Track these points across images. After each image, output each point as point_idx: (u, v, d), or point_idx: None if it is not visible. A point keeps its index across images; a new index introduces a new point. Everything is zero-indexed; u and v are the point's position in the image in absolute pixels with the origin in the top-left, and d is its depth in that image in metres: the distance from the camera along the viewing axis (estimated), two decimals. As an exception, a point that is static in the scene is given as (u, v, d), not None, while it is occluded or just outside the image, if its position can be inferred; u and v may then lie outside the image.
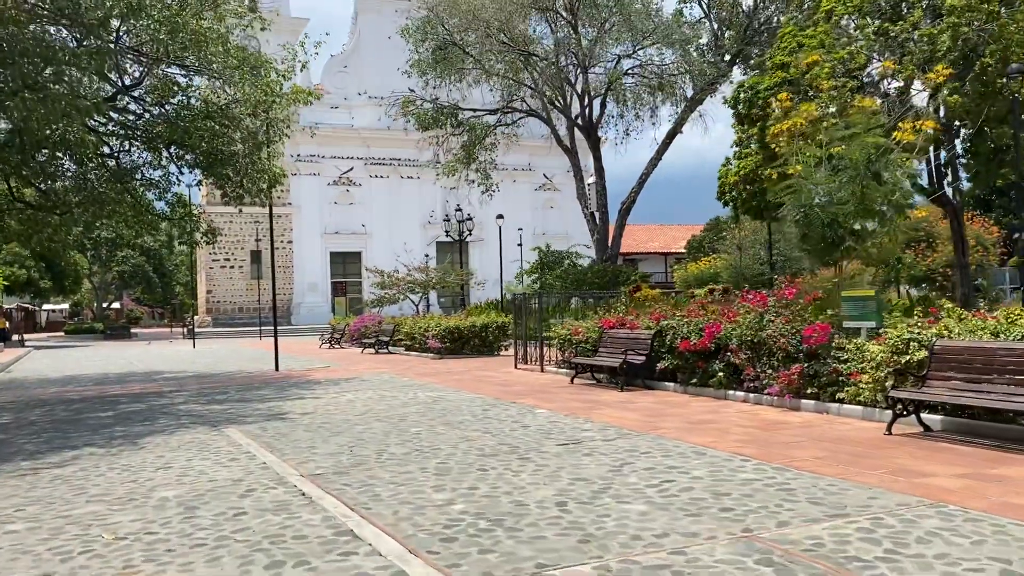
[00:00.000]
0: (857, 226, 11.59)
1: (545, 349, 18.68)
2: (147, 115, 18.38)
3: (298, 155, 63.81)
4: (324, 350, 32.42)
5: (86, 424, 12.49)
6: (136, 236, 26.45)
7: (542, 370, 18.32)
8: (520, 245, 60.59)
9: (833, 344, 10.99)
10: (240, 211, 24.80)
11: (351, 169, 66.21)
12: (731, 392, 12.51)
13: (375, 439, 9.91)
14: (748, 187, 21.43)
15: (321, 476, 7.89)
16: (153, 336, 62.37)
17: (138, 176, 20.38)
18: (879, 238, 11.53)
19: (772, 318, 12.04)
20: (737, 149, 22.63)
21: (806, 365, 11.24)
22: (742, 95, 18.91)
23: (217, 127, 17.08)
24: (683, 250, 77.33)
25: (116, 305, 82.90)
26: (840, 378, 10.80)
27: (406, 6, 38.15)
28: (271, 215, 21.06)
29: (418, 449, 9.09)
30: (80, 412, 14.13)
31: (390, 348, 28.85)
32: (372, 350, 29.38)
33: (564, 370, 17.45)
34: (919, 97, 19.03)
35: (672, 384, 13.85)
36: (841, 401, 10.66)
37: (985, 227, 48.11)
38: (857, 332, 11.30)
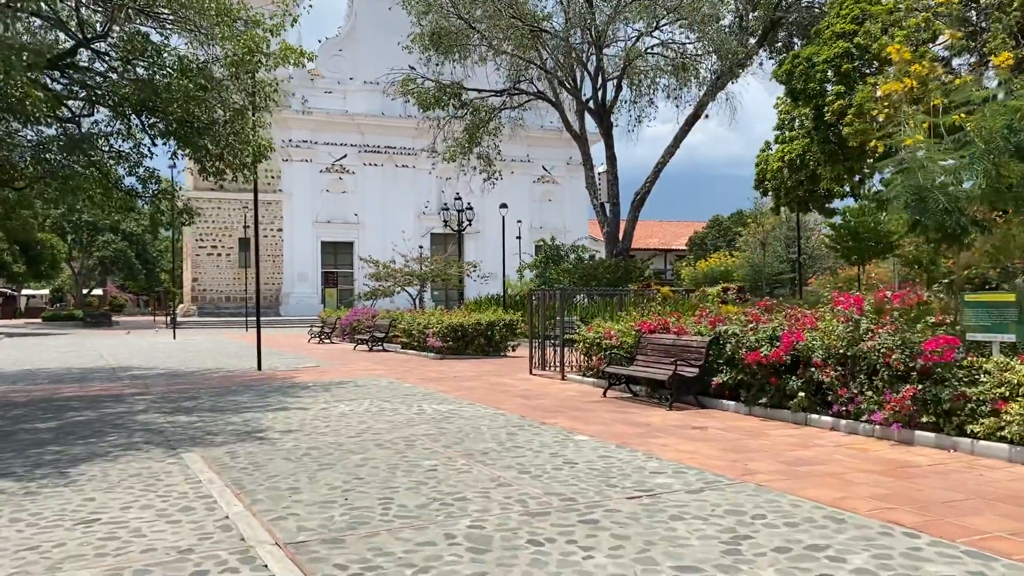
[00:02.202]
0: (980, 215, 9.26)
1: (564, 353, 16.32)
2: (113, 74, 15.87)
3: (290, 140, 61.28)
4: (313, 345, 29.98)
5: (17, 440, 10.07)
6: (104, 215, 23.88)
7: (563, 378, 15.95)
8: (519, 238, 58.22)
9: (962, 362, 8.68)
10: (220, 187, 22.28)
11: (344, 156, 63.60)
12: (814, 416, 10.16)
13: (377, 477, 7.52)
14: (793, 175, 19.08)
15: (304, 546, 5.50)
16: (135, 325, 59.70)
17: (105, 147, 17.88)
18: (1015, 228, 9.22)
19: (872, 326, 9.70)
20: (779, 132, 20.32)
21: (920, 387, 8.90)
22: (797, 68, 16.56)
23: (192, 87, 14.59)
24: (684, 247, 75.34)
25: (99, 292, 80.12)
26: (969, 405, 8.47)
27: (403, -13, 35.62)
28: (255, 194, 18.63)
29: (437, 498, 6.71)
30: (17, 421, 11.69)
31: (385, 345, 26.43)
32: (365, 347, 26.96)
33: (590, 379, 15.10)
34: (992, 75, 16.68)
35: (732, 403, 11.50)
36: (975, 436, 8.32)
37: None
38: (986, 346, 9.00)
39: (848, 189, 19.15)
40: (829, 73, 16.10)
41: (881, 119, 10.03)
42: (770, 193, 21.18)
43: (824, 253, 38.74)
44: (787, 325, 11.12)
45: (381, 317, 28.59)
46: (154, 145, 17.64)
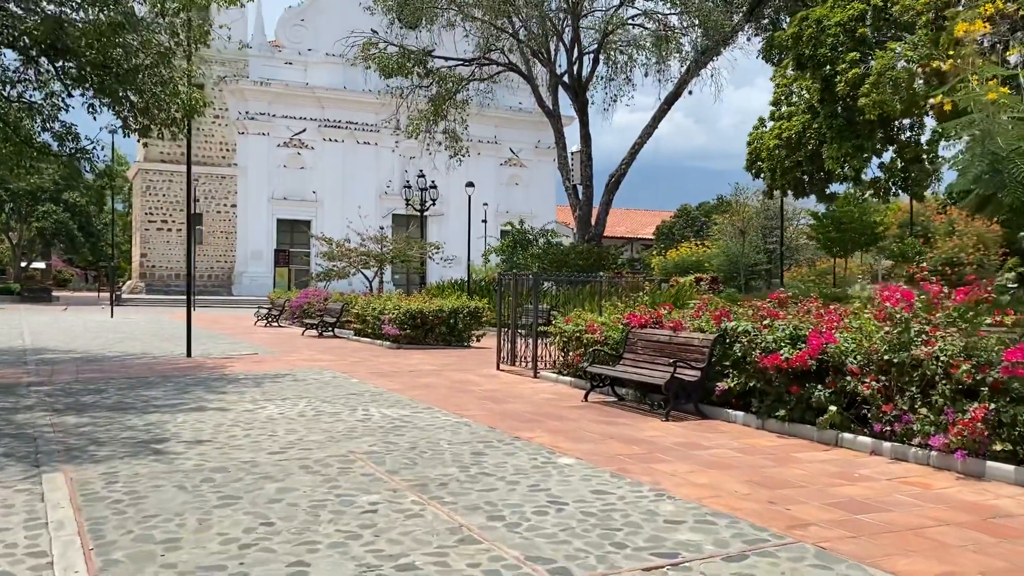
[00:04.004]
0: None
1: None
2: (12, 4, 13.47)
3: (246, 112, 58.45)
4: (259, 329, 27.67)
5: None
6: (15, 177, 21.36)
7: (535, 375, 13.98)
8: (484, 221, 56.03)
9: (1051, 377, 6.87)
10: (140, 145, 19.76)
11: (303, 131, 60.73)
12: (847, 436, 8.29)
13: (293, 523, 5.48)
14: (791, 154, 17.22)
15: (153, 664, 3.46)
16: (77, 301, 56.55)
17: (13, 96, 15.50)
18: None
19: (927, 329, 7.86)
20: (774, 109, 18.47)
21: (992, 406, 7.08)
22: (806, 32, 14.67)
23: (104, 20, 12.28)
24: (651, 236, 73.98)
25: (41, 265, 76.40)
26: (1061, 433, 6.67)
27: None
28: (188, 157, 16.30)
29: (373, 565, 4.69)
30: None
31: (336, 331, 24.27)
32: (315, 332, 24.77)
33: (566, 378, 13.15)
34: None
35: (740, 414, 9.61)
36: (1071, 473, 6.52)
37: (987, 224, 45.13)
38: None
39: (849, 171, 17.38)
40: (842, 38, 14.26)
41: (946, 70, 8.17)
42: (763, 175, 19.36)
43: (803, 244, 37.25)
44: (812, 323, 9.26)
45: (334, 300, 26.41)
46: (69, 95, 15.30)
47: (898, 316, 8.11)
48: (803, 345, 8.82)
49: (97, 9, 12.37)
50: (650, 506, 5.94)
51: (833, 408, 8.36)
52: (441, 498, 6.09)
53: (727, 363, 9.86)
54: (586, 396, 11.40)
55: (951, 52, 8.13)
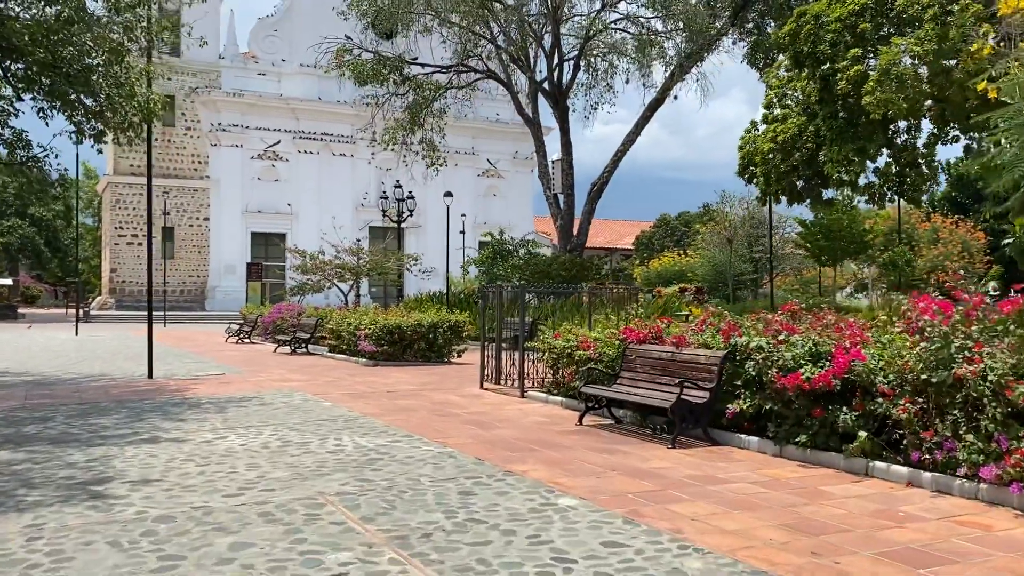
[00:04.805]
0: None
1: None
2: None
3: (219, 124, 57.26)
4: (229, 346, 26.52)
5: None
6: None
7: (522, 394, 13.02)
8: (463, 232, 55.14)
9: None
10: (110, 159, 18.50)
11: (278, 142, 59.59)
12: (879, 465, 7.41)
13: (247, 593, 4.49)
14: (786, 158, 16.41)
15: None
16: (44, 318, 54.97)
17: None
18: None
19: (971, 344, 6.99)
20: (767, 112, 17.72)
21: (1051, 433, 6.23)
22: (804, 28, 13.88)
23: (53, 15, 11.25)
24: (630, 246, 73.41)
25: (8, 282, 74.45)
26: None
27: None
28: (149, 163, 15.17)
29: (341, 655, 3.71)
30: None
31: (309, 348, 23.19)
32: (288, 349, 23.68)
33: (557, 398, 12.20)
34: None
35: (755, 439, 8.70)
36: None
37: (970, 232, 44.85)
38: None
39: (849, 175, 16.58)
40: (842, 34, 13.48)
41: (986, 53, 7.33)
42: (756, 180, 18.58)
43: (789, 253, 36.62)
44: (833, 338, 8.38)
45: (308, 315, 25.34)
46: (19, 99, 14.22)
47: (930, 330, 7.24)
48: (826, 363, 7.93)
49: (44, 4, 11.35)
50: (675, 562, 4.99)
51: (863, 434, 7.47)
52: (425, 555, 5.11)
53: (738, 383, 8.97)
54: (580, 419, 10.45)
55: (992, 35, 7.34)
